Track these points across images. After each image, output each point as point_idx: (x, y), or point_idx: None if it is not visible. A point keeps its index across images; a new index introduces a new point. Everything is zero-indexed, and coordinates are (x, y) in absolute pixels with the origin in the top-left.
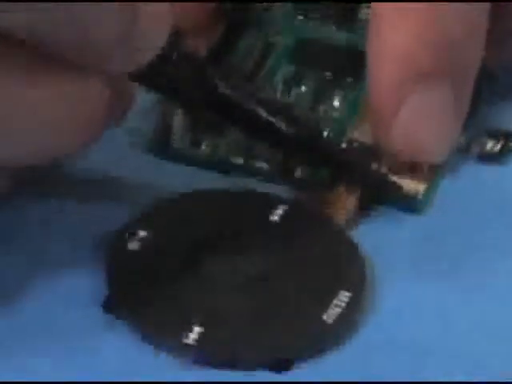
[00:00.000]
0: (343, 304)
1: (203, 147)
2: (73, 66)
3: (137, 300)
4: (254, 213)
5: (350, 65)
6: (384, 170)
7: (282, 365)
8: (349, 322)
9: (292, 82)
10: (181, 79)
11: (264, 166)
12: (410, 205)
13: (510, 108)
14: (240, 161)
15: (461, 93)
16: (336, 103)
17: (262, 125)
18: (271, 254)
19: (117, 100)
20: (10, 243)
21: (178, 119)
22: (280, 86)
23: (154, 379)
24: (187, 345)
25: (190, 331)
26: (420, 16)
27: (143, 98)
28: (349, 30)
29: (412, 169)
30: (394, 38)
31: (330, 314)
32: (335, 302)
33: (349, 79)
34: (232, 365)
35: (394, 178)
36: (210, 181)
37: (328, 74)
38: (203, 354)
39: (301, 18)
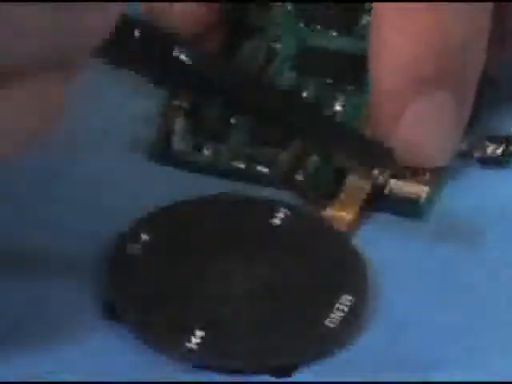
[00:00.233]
0: (346, 308)
1: (205, 152)
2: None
3: (138, 304)
4: (255, 217)
5: (351, 71)
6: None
7: (283, 370)
8: (351, 326)
9: (294, 87)
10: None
11: (266, 170)
12: (412, 209)
13: (511, 113)
14: (241, 166)
15: (463, 97)
16: (337, 109)
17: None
18: (273, 258)
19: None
20: (9, 246)
21: (180, 124)
22: None
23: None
24: (189, 349)
25: (192, 335)
26: (423, 20)
27: (145, 103)
28: (350, 37)
29: (414, 173)
30: (396, 43)
31: (333, 319)
32: (337, 306)
33: (350, 85)
34: (234, 369)
35: (395, 183)
36: (212, 186)
37: (329, 80)
38: (205, 359)
39: (302, 24)
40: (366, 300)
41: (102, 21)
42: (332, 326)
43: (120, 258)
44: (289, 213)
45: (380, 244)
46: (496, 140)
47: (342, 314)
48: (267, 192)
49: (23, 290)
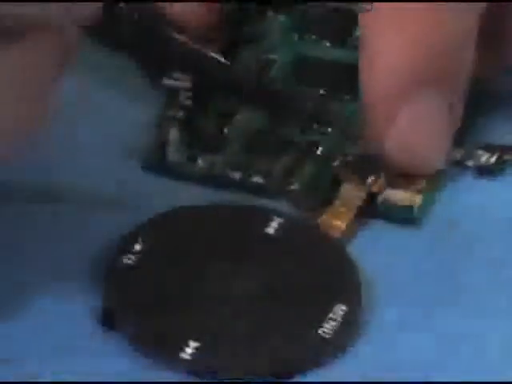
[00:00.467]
0: (339, 318)
1: (199, 163)
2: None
3: (133, 314)
4: (249, 226)
5: (347, 81)
6: None
7: (279, 379)
8: (345, 335)
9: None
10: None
11: (260, 180)
12: (406, 217)
13: (505, 122)
14: (237, 176)
15: (456, 98)
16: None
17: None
18: (267, 267)
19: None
20: (5, 256)
21: (174, 135)
22: None
23: None
24: (183, 359)
25: (186, 346)
26: (412, 25)
27: (139, 113)
28: (345, 47)
29: (408, 181)
30: (386, 48)
31: (326, 328)
32: (331, 315)
33: (345, 95)
34: (228, 379)
35: (390, 190)
36: (206, 196)
37: (324, 90)
38: (199, 369)
39: (297, 35)
40: (360, 309)
41: None
42: (326, 335)
43: (115, 268)
44: (283, 221)
45: (374, 252)
46: (490, 149)
47: (336, 324)
48: (262, 202)
49: (19, 299)
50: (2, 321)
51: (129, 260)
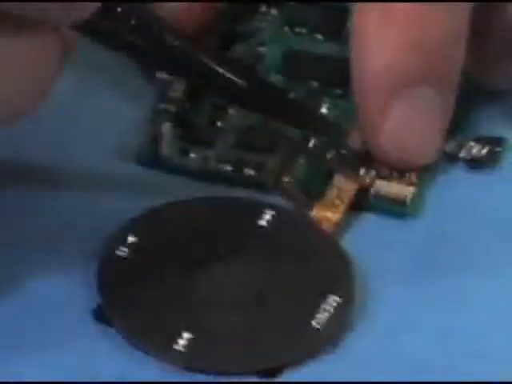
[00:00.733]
0: (331, 309)
1: (192, 156)
2: (23, 22)
3: (127, 306)
4: (242, 219)
5: (338, 75)
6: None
7: (271, 371)
8: (338, 326)
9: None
10: (127, 31)
11: (253, 174)
12: (398, 210)
13: (497, 114)
14: (229, 169)
15: (446, 94)
16: (324, 112)
17: (211, 75)
18: (260, 259)
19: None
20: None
21: (167, 129)
22: None
23: None
24: (176, 351)
25: (180, 337)
26: (404, 21)
27: (132, 108)
28: (336, 41)
29: (400, 174)
30: (379, 45)
31: (319, 320)
32: (323, 306)
33: (336, 89)
34: (221, 371)
35: (382, 183)
36: (199, 190)
37: (316, 84)
38: (192, 360)
39: (288, 29)
40: (353, 301)
41: None
42: (318, 326)
43: (109, 261)
44: (275, 214)
45: (366, 244)
46: (482, 141)
47: (328, 315)
48: (255, 195)
49: (12, 292)
50: None
51: (122, 253)
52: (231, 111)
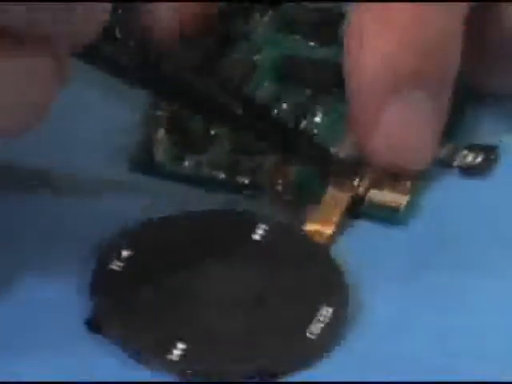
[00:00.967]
0: (326, 319)
1: (186, 163)
2: (24, 45)
3: (121, 318)
4: (235, 232)
5: (332, 81)
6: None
7: (266, 380)
8: (332, 336)
9: (275, 98)
10: (125, 58)
11: (247, 180)
12: (392, 217)
13: (491, 122)
14: (222, 176)
15: (440, 97)
16: (318, 119)
17: (207, 103)
18: (254, 271)
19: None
20: None
21: (161, 135)
22: (263, 102)
23: None
24: (171, 361)
25: (174, 347)
26: (399, 24)
27: (127, 113)
28: (330, 46)
29: (394, 181)
30: (372, 48)
31: (313, 330)
32: (318, 317)
33: (331, 94)
34: (216, 380)
35: (376, 191)
36: (193, 195)
37: (310, 89)
38: (187, 370)
39: (282, 34)
40: (346, 311)
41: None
42: (313, 336)
43: (102, 273)
44: (269, 227)
45: (360, 252)
46: (476, 149)
47: (323, 325)
48: (248, 203)
49: (7, 302)
50: None
51: (115, 266)
52: None
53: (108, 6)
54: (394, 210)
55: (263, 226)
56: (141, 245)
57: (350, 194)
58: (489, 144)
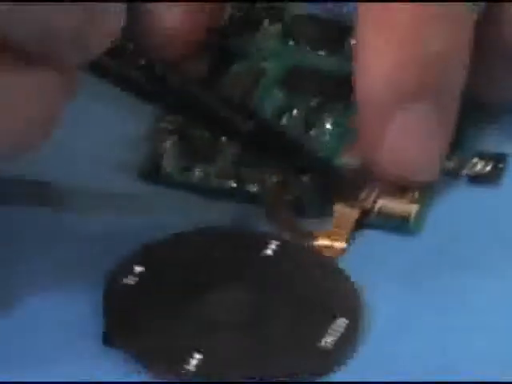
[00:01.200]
0: (341, 330)
1: (194, 173)
2: (33, 59)
3: (136, 332)
4: (247, 249)
5: (340, 90)
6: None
7: None
8: (346, 347)
9: (283, 107)
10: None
11: (255, 190)
12: (401, 227)
13: (500, 130)
14: (231, 185)
15: (445, 109)
16: (326, 128)
17: (216, 119)
18: (267, 287)
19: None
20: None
21: (169, 146)
22: (271, 112)
23: None
24: (188, 371)
25: (191, 358)
26: (402, 38)
27: (134, 125)
28: (338, 56)
29: (403, 191)
30: (377, 62)
31: (328, 341)
32: (332, 328)
33: (339, 104)
34: None
35: (385, 202)
36: (202, 205)
37: (318, 99)
38: (204, 380)
39: (290, 44)
40: (361, 322)
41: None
42: (328, 347)
43: (115, 287)
44: (280, 244)
45: (370, 262)
46: (485, 157)
47: (337, 336)
48: (257, 210)
49: (20, 318)
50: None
51: (129, 280)
52: None
53: (119, 21)
54: (404, 219)
55: (275, 243)
56: (154, 260)
57: (360, 206)
58: (498, 152)
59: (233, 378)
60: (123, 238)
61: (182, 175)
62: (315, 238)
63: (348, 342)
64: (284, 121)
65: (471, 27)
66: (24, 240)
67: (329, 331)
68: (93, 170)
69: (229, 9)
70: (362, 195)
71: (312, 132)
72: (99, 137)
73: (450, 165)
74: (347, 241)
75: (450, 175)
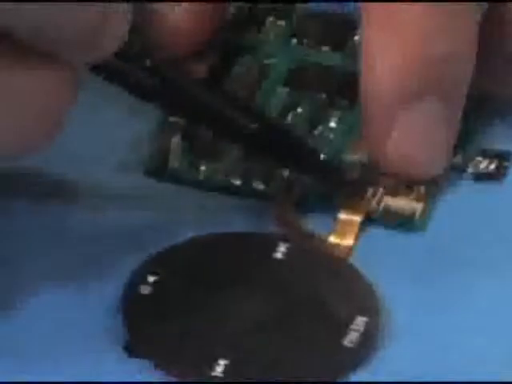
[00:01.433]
0: (361, 328)
1: (201, 169)
2: (43, 57)
3: (158, 340)
4: (258, 252)
5: (345, 87)
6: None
7: None
8: (369, 344)
9: (288, 105)
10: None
11: (261, 187)
12: (407, 224)
13: (504, 128)
14: (238, 182)
15: (452, 107)
16: (332, 125)
17: (223, 120)
18: (282, 289)
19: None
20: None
21: (176, 142)
22: (276, 110)
23: None
24: (215, 377)
25: (217, 364)
26: (407, 37)
27: (140, 121)
28: (343, 52)
29: (408, 189)
30: (382, 61)
31: (350, 339)
32: (352, 327)
33: (344, 101)
34: None
35: (390, 200)
36: (208, 202)
37: (323, 96)
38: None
39: (295, 40)
40: (380, 319)
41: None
42: (350, 345)
43: (133, 299)
44: (289, 246)
45: (378, 259)
46: (490, 155)
47: (358, 335)
48: (263, 206)
49: (20, 318)
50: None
51: (145, 291)
52: None
53: (128, 20)
54: (409, 216)
55: (285, 245)
56: (166, 269)
57: (366, 205)
58: (502, 150)
59: (261, 380)
60: (128, 237)
61: (188, 172)
62: (322, 238)
63: (369, 339)
64: (289, 118)
65: (476, 25)
66: (26, 240)
67: (350, 330)
68: (98, 168)
69: (232, 8)
70: (368, 193)
71: (317, 129)
72: (106, 132)
73: (456, 162)
74: (354, 240)
75: (456, 171)
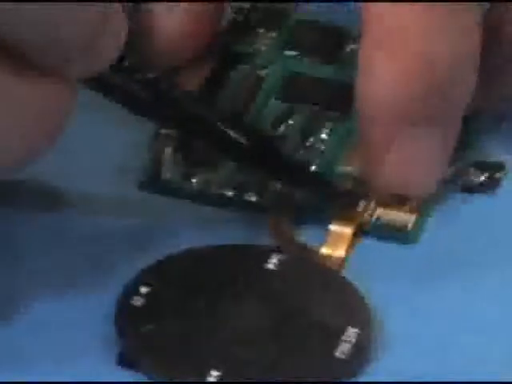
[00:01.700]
0: (353, 340)
1: (194, 181)
2: (39, 69)
3: (150, 352)
4: (250, 264)
5: (338, 98)
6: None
7: None
8: (361, 356)
9: (280, 116)
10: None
11: (254, 198)
12: (400, 236)
13: (497, 140)
14: (231, 194)
15: (449, 132)
16: (323, 136)
17: (215, 134)
18: (274, 300)
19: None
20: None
21: (169, 153)
22: (268, 121)
23: None
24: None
25: (209, 375)
26: (407, 58)
27: (133, 132)
28: (336, 64)
29: (401, 201)
30: (381, 83)
31: (342, 350)
32: (344, 338)
33: (336, 112)
34: None
35: (383, 211)
36: (201, 214)
37: (316, 107)
38: None
39: (288, 52)
40: (372, 331)
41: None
42: (342, 357)
43: (125, 310)
44: (282, 257)
45: (371, 271)
46: (482, 167)
47: (350, 346)
48: (256, 218)
49: (20, 318)
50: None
51: (138, 301)
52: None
53: (126, 25)
54: (402, 229)
55: (277, 256)
56: (159, 280)
57: (358, 216)
58: (495, 161)
59: None
60: (122, 242)
61: (181, 184)
62: (314, 249)
63: (362, 351)
64: (281, 130)
65: (478, 43)
66: (25, 242)
67: (341, 341)
68: (90, 180)
69: (228, 14)
70: (360, 205)
71: (309, 141)
72: (98, 143)
73: (447, 174)
74: (346, 251)
75: (447, 184)
